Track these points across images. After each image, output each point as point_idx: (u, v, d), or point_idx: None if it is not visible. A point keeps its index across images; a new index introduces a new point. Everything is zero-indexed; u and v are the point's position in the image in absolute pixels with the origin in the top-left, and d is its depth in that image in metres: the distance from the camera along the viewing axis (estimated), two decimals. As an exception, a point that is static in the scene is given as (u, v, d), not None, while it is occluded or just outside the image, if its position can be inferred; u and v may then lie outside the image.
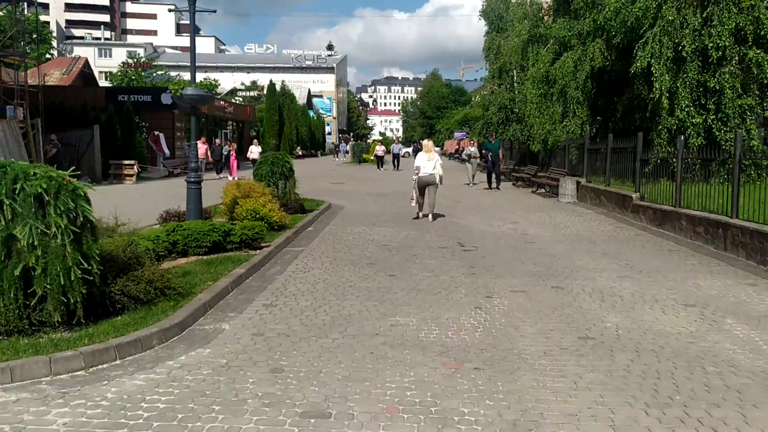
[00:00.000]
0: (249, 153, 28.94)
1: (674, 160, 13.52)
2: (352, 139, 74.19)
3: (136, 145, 29.08)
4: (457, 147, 64.01)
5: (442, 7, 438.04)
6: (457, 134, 65.34)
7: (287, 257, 9.17)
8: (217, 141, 26.84)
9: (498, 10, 37.85)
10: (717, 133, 15.10)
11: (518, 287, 7.51)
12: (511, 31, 34.48)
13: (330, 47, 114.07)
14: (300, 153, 61.42)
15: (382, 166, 37.87)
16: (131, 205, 16.67)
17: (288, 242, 10.20)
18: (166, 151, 33.95)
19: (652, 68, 15.19)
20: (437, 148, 76.19)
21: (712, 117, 15.16)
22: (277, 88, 63.73)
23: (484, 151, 23.27)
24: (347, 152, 56.48)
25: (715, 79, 14.98)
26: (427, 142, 14.26)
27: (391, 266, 8.64)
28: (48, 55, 62.63)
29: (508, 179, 26.16)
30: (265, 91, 63.07)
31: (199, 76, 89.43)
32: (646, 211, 12.70)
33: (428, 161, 13.31)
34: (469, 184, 24.28)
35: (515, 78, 35.95)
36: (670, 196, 12.04)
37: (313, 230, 11.99)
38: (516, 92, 35.58)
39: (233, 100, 58.40)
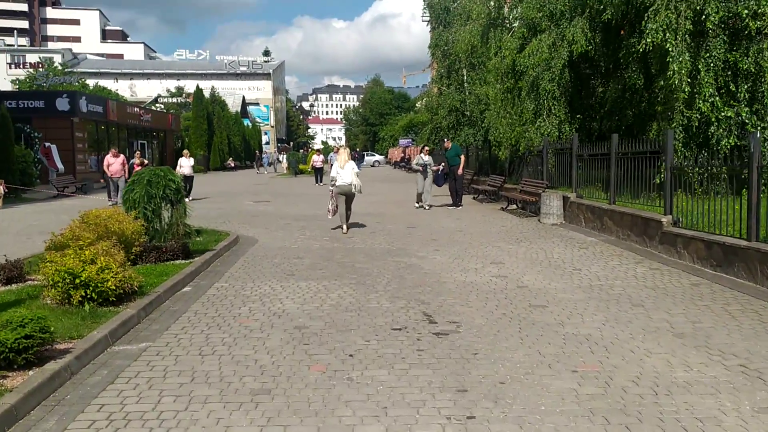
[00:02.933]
0: (178, 167, 21.26)
1: (690, 169, 9.81)
2: (275, 150, 68.82)
3: (13, 159, 23.71)
4: (402, 155, 60.11)
5: (380, 15, 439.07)
6: (402, 141, 61.37)
7: (90, 383, 4.61)
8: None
9: (444, 2, 34.19)
10: (752, 130, 11.41)
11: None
12: (458, 25, 30.78)
13: (267, 53, 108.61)
14: (232, 165, 56.29)
15: (321, 180, 32.15)
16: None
17: (121, 334, 5.65)
18: (59, 165, 28.60)
19: (668, 44, 11.34)
20: (380, 156, 72.39)
21: (745, 110, 11.47)
22: (206, 94, 58.37)
23: (442, 165, 18.32)
24: (271, 164, 51.26)
25: (750, 59, 11.30)
26: (341, 151, 13.52)
27: (299, 397, 4.27)
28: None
29: (466, 191, 22.10)
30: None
31: (124, 84, 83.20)
32: (690, 244, 8.72)
33: (341, 169, 12.74)
34: (421, 206, 17.51)
35: (465, 78, 32.38)
36: (724, 221, 8.12)
37: (189, 293, 7.45)
38: (467, 93, 32.01)
39: (154, 108, 52.78)
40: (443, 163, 17.73)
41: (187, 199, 20.48)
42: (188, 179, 20.79)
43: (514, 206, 16.95)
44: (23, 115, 30.37)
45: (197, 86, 55.61)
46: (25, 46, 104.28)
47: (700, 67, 11.47)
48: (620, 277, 8.11)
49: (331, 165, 31.84)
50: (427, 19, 71.78)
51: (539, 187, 15.06)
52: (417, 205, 17.84)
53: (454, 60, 32.32)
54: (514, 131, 17.86)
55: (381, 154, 77.71)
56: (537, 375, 4.69)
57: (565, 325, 5.99)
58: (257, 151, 56.14)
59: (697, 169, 10.01)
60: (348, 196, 12.76)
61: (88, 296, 6.17)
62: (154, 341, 5.53)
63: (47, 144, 28.91)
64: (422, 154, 17.44)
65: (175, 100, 61.53)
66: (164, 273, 7.94)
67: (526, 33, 17.47)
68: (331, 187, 13.09)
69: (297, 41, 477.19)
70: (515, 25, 18.56)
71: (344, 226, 12.67)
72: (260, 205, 19.38)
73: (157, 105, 58.10)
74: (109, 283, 6.20)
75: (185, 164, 21.12)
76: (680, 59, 11.26)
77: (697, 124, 11.71)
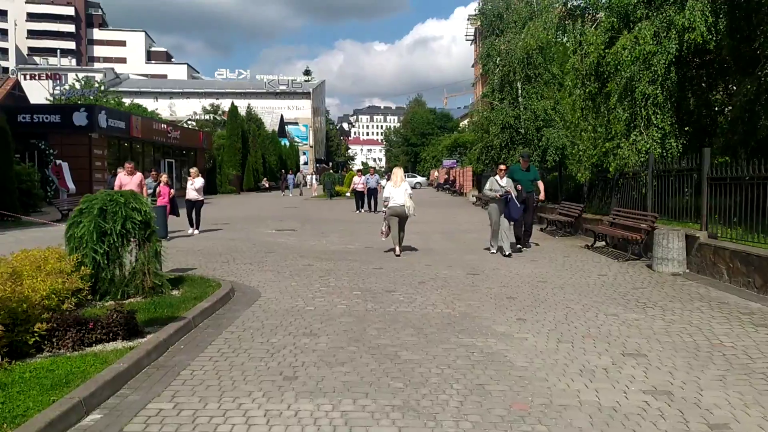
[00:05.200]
0: (187, 192, 17.18)
1: None
2: (312, 170, 65.59)
3: (12, 177, 20.98)
4: (446, 177, 56.51)
5: (421, 38, 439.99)
6: (446, 162, 57.78)
7: None
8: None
9: (498, 9, 30.85)
10: None
11: None
12: (513, 32, 27.32)
13: (307, 72, 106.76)
14: (266, 185, 53.55)
15: (362, 207, 27.01)
16: None
17: None
18: (71, 185, 25.94)
19: None
20: (422, 178, 68.89)
21: None
22: (242, 112, 55.94)
23: (518, 188, 12.76)
24: (297, 185, 46.70)
25: None
26: (395, 170, 12.91)
27: None
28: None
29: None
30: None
31: (164, 103, 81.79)
32: None
33: (395, 188, 12.25)
34: (494, 250, 12.55)
35: (520, 91, 28.85)
36: None
37: None
38: (522, 108, 28.48)
39: (186, 125, 50.52)
40: (518, 186, 13.04)
41: (194, 231, 16.34)
42: (195, 206, 16.71)
43: (603, 243, 13.16)
44: (38, 130, 28.05)
45: (232, 103, 53.17)
46: (67, 65, 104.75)
47: None
48: None
49: (369, 190, 28.04)
50: (471, 37, 68.58)
51: (643, 221, 11.26)
52: (492, 250, 12.58)
53: (508, 71, 28.89)
54: (598, 147, 14.18)
55: (422, 176, 74.31)
56: None
57: None
58: (282, 171, 52.57)
59: None
60: (401, 218, 12.26)
61: None
62: None
63: (59, 162, 26.37)
64: (497, 177, 12.58)
65: (208, 117, 59.19)
66: (64, 380, 4.52)
67: (616, 24, 13.79)
68: (384, 208, 12.67)
69: (338, 63, 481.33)
70: (600, 15, 14.91)
71: (397, 249, 12.20)
72: (282, 236, 16.00)
73: (189, 122, 55.87)
74: None
75: (189, 187, 16.89)
76: None
77: None
